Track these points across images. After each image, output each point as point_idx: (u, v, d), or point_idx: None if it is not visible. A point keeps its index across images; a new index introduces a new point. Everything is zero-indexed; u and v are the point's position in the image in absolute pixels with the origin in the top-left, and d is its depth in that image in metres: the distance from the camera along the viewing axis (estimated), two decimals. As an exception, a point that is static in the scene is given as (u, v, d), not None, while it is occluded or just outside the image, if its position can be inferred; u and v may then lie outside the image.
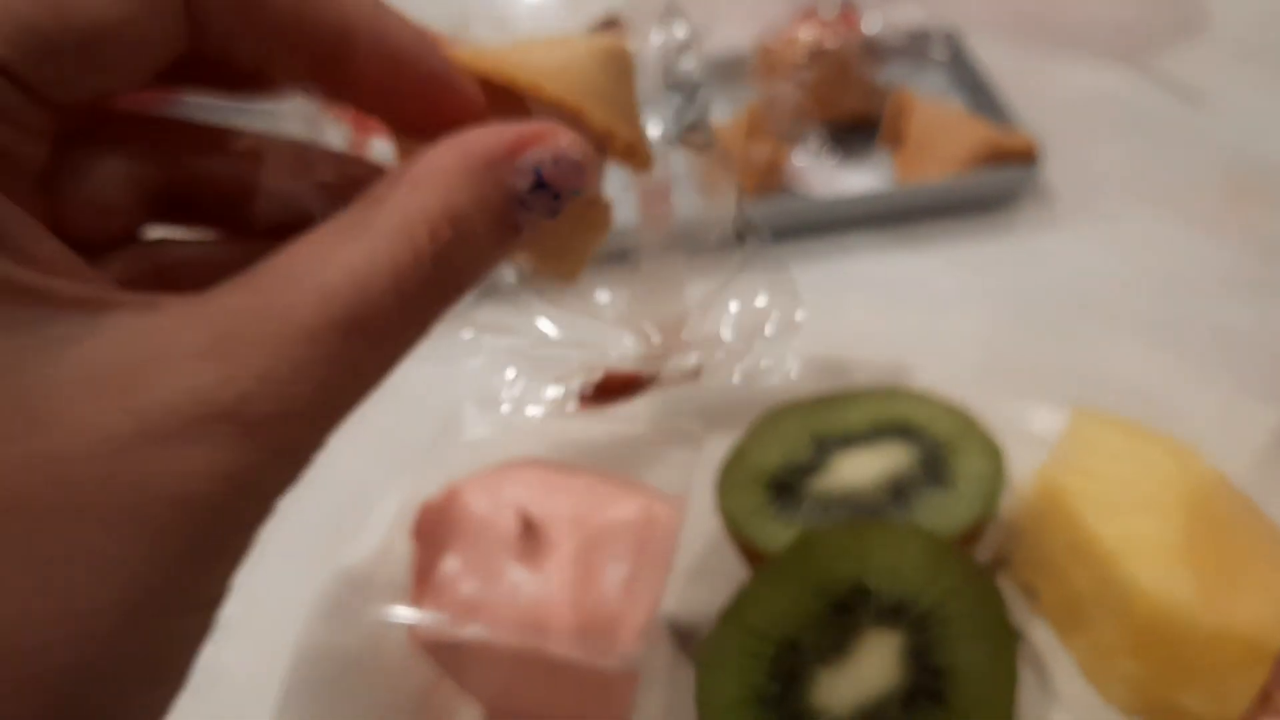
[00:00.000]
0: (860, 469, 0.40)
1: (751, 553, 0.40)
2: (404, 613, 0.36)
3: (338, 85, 0.22)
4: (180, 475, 0.17)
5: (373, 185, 0.20)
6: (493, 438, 0.41)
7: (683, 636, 0.40)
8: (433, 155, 0.20)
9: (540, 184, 0.21)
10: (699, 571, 0.42)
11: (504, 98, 0.23)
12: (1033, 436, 0.44)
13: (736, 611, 0.35)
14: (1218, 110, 0.66)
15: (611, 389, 0.31)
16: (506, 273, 0.29)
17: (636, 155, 0.24)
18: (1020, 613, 0.40)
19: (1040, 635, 0.39)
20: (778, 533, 0.39)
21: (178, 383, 0.17)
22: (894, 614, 0.34)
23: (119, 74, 0.20)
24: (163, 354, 0.17)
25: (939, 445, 0.41)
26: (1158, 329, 0.52)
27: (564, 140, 0.21)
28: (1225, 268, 0.55)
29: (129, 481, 0.16)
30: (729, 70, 0.68)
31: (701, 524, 0.42)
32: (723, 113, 0.67)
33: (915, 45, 0.68)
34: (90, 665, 0.16)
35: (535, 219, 0.21)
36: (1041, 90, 0.67)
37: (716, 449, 0.41)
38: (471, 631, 0.35)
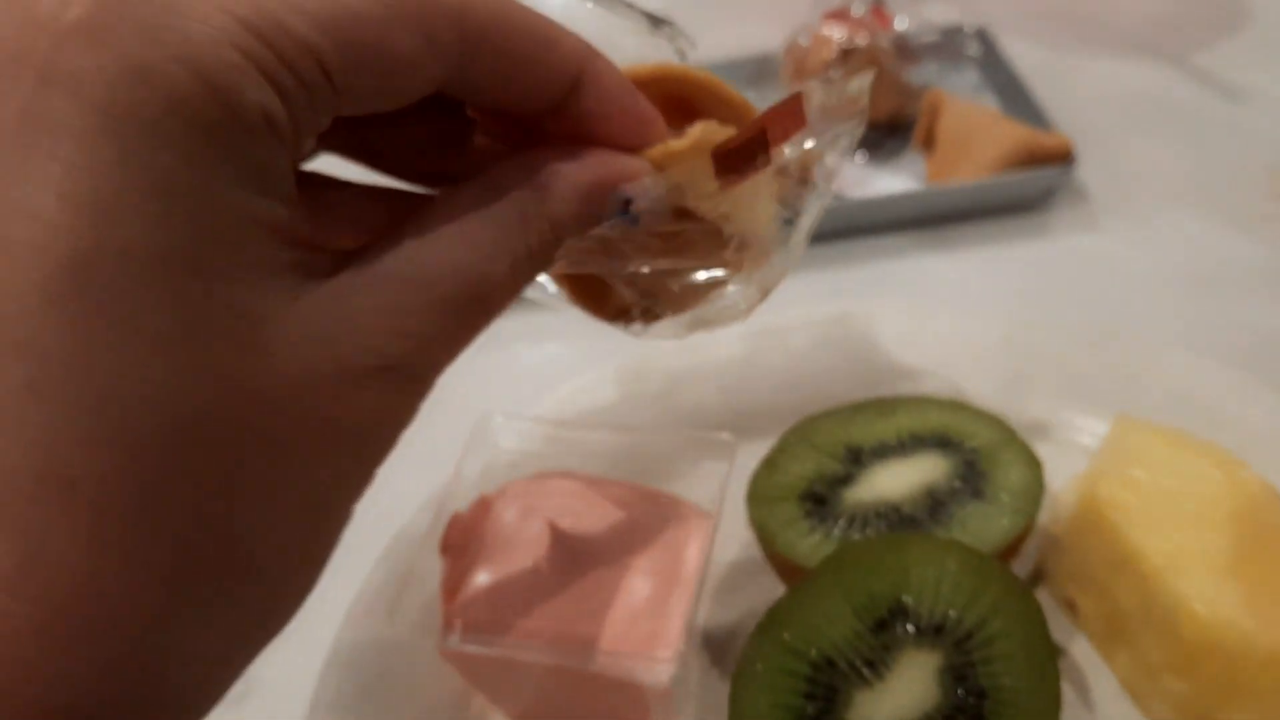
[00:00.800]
0: (896, 480, 0.40)
1: (785, 566, 0.39)
2: (434, 626, 0.36)
3: (556, 123, 0.25)
4: (361, 410, 0.21)
5: (499, 167, 0.24)
6: (523, 449, 0.41)
7: (715, 651, 0.40)
8: (555, 163, 0.24)
9: (624, 209, 0.25)
10: (732, 585, 0.41)
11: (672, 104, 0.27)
12: (1072, 445, 0.43)
13: (771, 627, 0.34)
14: (1258, 107, 0.64)
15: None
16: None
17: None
18: (1060, 628, 0.39)
19: (1081, 651, 0.38)
20: (812, 546, 0.38)
21: (361, 339, 0.21)
22: (934, 633, 0.33)
23: (391, 100, 0.22)
24: (350, 313, 0.21)
25: (977, 455, 0.40)
26: (1201, 332, 0.50)
27: (651, 179, 0.25)
28: (1270, 269, 0.54)
29: (325, 414, 0.21)
30: (759, 69, 0.67)
31: (734, 536, 0.41)
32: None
33: (947, 43, 0.67)
34: (292, 564, 0.21)
35: (609, 231, 0.26)
36: (1076, 88, 0.66)
37: (749, 460, 0.41)
38: (502, 645, 0.35)
